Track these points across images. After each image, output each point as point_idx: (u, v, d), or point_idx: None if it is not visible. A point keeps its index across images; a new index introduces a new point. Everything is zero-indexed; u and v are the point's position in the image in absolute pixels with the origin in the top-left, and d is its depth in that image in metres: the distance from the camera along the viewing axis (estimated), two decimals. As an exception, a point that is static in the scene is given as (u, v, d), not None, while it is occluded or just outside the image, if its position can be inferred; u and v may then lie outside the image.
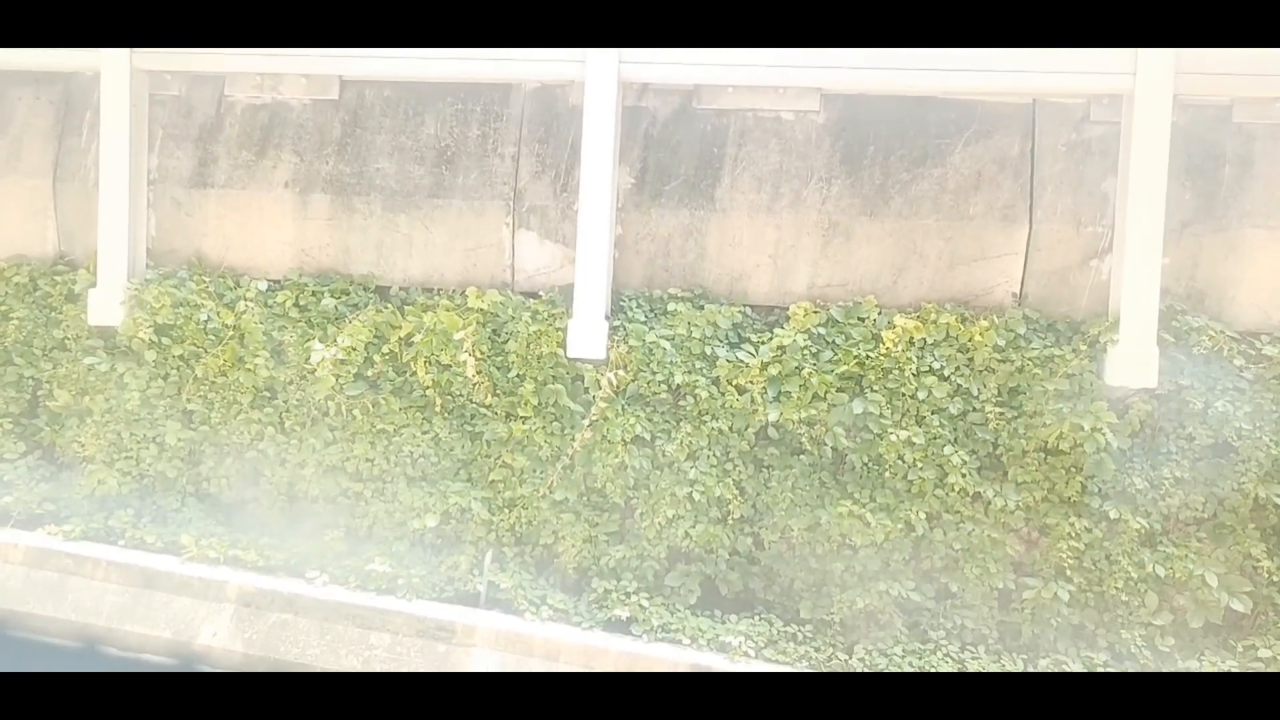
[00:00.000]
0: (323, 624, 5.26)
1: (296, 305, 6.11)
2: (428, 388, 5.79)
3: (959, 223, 5.72)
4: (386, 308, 6.02)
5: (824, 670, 5.13)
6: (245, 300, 6.12)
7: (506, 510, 5.77)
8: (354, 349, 5.81)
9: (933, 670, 5.11)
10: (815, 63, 5.64)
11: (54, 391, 6.35)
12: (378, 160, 6.27)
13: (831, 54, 5.55)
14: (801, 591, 5.54)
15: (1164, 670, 5.10)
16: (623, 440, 5.56)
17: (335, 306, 6.05)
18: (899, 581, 5.36)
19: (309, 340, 5.92)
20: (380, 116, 6.32)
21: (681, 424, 5.62)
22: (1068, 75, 5.44)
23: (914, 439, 5.34)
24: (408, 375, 5.87)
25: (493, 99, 6.25)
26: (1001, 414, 5.39)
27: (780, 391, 5.49)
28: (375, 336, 5.88)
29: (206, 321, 6.05)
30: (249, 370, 5.99)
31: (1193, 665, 5.12)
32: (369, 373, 5.89)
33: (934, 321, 5.50)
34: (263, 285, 6.25)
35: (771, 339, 5.60)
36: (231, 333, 6.04)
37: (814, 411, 5.46)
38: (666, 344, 5.64)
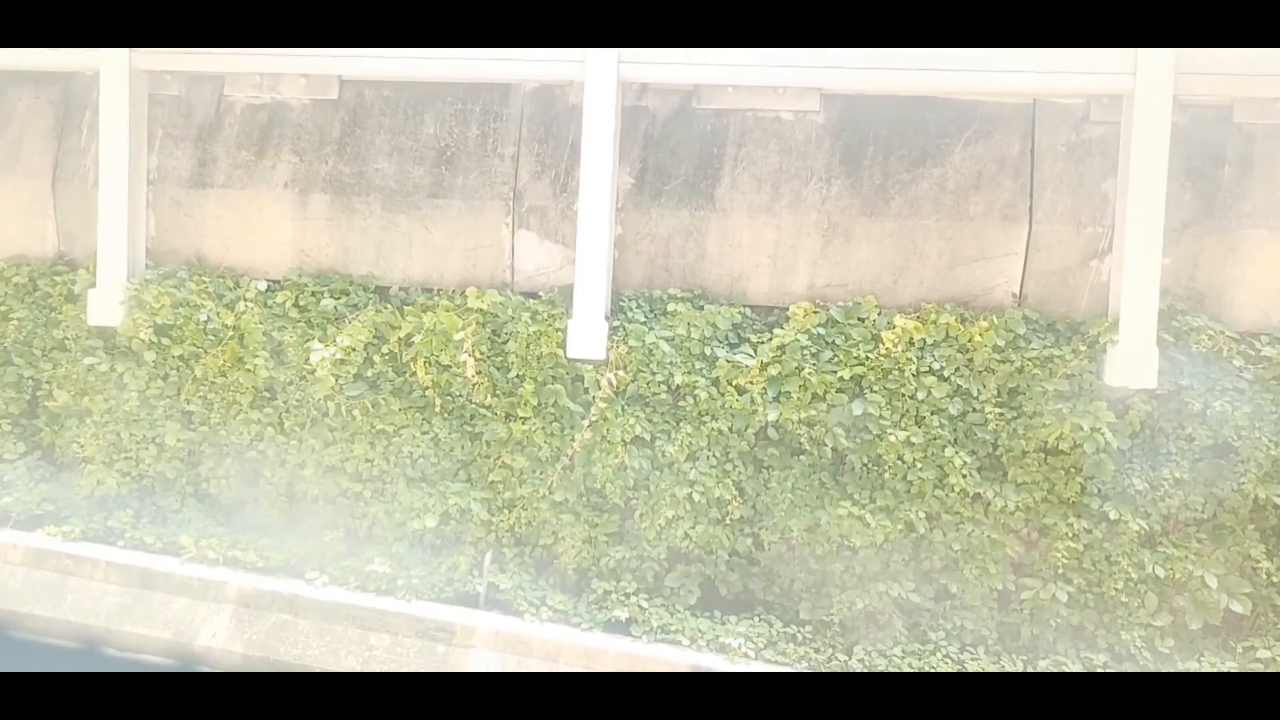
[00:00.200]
0: (322, 625, 5.26)
1: (296, 305, 6.10)
2: (427, 388, 5.79)
3: (959, 223, 5.72)
4: (386, 308, 6.02)
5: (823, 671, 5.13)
6: (245, 300, 6.12)
7: (506, 511, 5.77)
8: (353, 349, 5.80)
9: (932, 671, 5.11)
10: (815, 63, 5.63)
11: (53, 392, 6.35)
12: (377, 160, 6.26)
13: (831, 54, 5.55)
14: (801, 592, 5.54)
15: (1164, 670, 5.09)
16: (622, 441, 5.56)
17: (335, 307, 6.04)
18: (898, 582, 5.36)
19: (308, 340, 5.92)
20: (380, 116, 6.32)
21: (681, 424, 5.62)
22: (1068, 75, 5.43)
23: (913, 439, 5.34)
24: (407, 376, 5.87)
25: (492, 99, 6.24)
26: (1001, 414, 5.39)
27: (780, 392, 5.49)
28: (375, 337, 5.88)
29: (206, 322, 6.04)
30: (248, 371, 5.99)
31: (1192, 667, 5.12)
32: (369, 373, 5.89)
33: (934, 322, 5.50)
34: (262, 285, 6.25)
35: (771, 339, 5.59)
36: (231, 333, 6.04)
37: (814, 412, 5.46)
38: (666, 344, 5.63)
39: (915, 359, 5.43)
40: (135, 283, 6.18)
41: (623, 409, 5.62)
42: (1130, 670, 5.13)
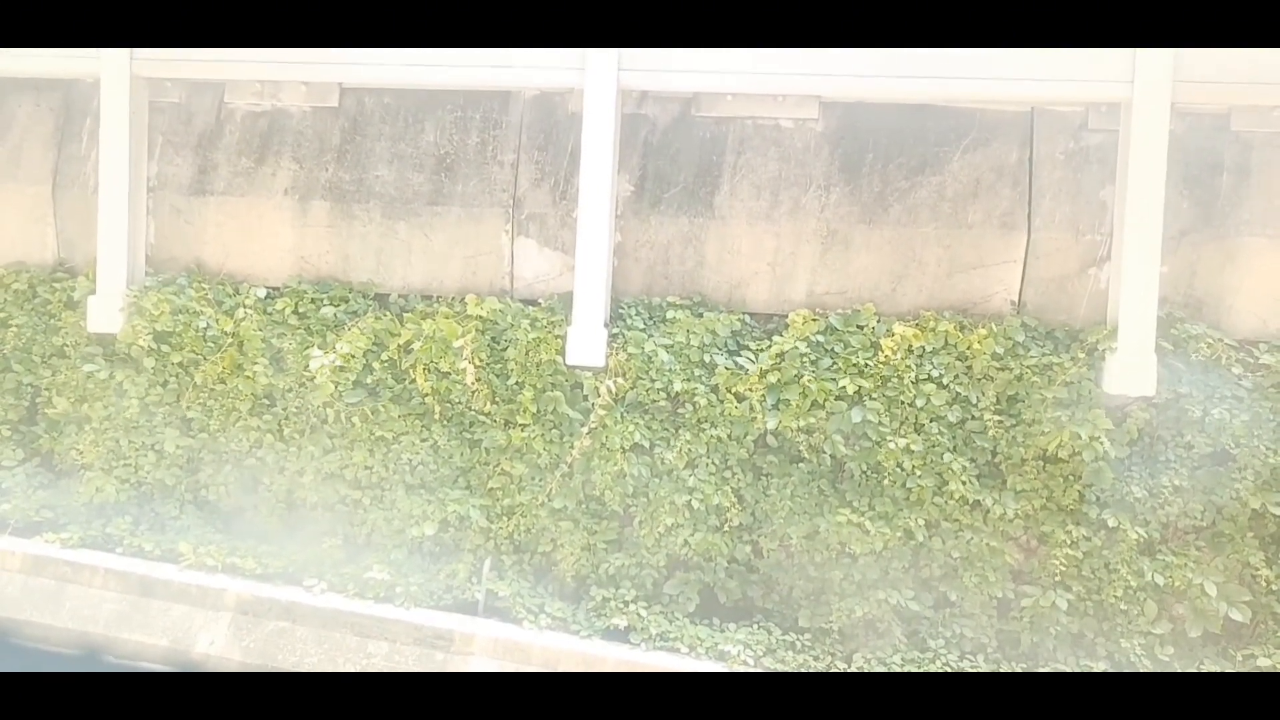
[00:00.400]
0: (320, 632, 5.25)
1: (296, 312, 6.11)
2: (427, 395, 5.79)
3: (957, 231, 5.73)
4: (385, 315, 6.02)
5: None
6: (244, 307, 6.12)
7: (505, 518, 5.76)
8: (353, 356, 5.80)
9: (932, 679, 5.10)
10: (814, 70, 5.63)
11: (53, 399, 6.35)
12: (377, 167, 6.27)
13: (830, 62, 5.55)
14: (800, 600, 5.53)
15: (1163, 671, 5.09)
16: (621, 448, 5.56)
17: (334, 314, 6.05)
18: (898, 590, 5.35)
19: (308, 347, 5.92)
20: (380, 124, 6.33)
21: (680, 432, 5.62)
22: (1066, 83, 5.44)
23: (913, 447, 5.34)
24: (407, 383, 5.87)
25: (492, 106, 6.26)
26: (1000, 422, 5.39)
27: (779, 399, 5.49)
28: (374, 344, 5.88)
29: (205, 329, 6.05)
30: (248, 378, 5.99)
31: (1192, 674, 5.12)
32: (368, 380, 5.89)
33: (932, 329, 5.50)
34: (262, 292, 6.25)
35: (770, 347, 5.60)
36: (230, 340, 6.04)
37: (813, 419, 5.46)
38: (665, 352, 5.64)
39: (914, 366, 5.44)
40: (135, 290, 6.18)
41: (622, 416, 5.62)
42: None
